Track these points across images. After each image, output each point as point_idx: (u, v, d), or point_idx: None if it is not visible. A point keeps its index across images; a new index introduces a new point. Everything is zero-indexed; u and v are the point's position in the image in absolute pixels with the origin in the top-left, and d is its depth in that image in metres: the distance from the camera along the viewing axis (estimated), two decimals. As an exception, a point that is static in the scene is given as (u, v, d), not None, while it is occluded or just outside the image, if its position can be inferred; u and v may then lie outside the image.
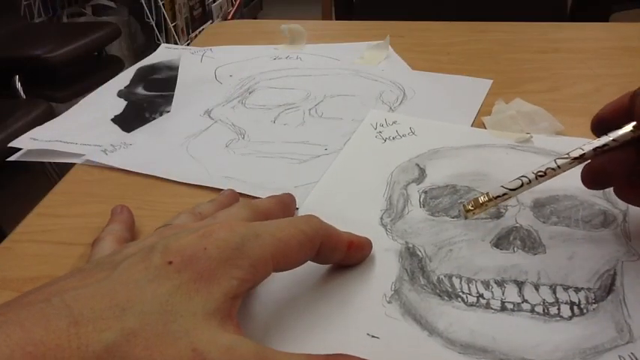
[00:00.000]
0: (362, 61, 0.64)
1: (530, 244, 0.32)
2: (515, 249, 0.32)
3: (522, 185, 0.31)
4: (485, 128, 0.47)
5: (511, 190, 0.31)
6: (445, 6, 1.07)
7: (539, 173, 0.31)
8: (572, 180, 0.33)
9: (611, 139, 0.29)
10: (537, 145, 0.43)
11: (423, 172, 0.40)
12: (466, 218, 0.33)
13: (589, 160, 0.30)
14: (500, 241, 0.33)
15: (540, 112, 0.48)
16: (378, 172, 0.40)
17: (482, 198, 0.32)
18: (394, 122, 0.47)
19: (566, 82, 0.58)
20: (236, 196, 0.37)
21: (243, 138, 0.48)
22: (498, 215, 0.35)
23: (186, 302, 0.22)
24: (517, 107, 0.49)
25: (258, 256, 0.25)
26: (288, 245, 0.26)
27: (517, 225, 0.34)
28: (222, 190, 0.39)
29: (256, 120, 0.51)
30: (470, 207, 0.32)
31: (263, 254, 0.25)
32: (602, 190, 0.36)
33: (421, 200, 0.37)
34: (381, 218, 0.36)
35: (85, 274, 0.24)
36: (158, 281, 0.23)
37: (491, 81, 0.57)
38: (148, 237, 0.28)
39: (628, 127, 0.29)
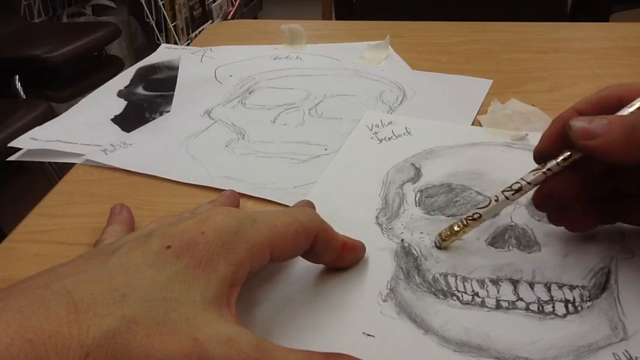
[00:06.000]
0: (362, 61, 0.64)
1: (526, 242, 0.33)
2: (511, 247, 0.32)
3: (490, 204, 0.31)
4: (482, 127, 0.47)
5: (482, 208, 0.31)
6: (445, 6, 1.07)
7: (507, 191, 0.31)
8: None
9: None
10: (533, 143, 0.43)
11: (418, 172, 0.40)
12: (441, 248, 0.33)
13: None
14: (496, 240, 0.33)
15: (536, 112, 0.48)
16: (374, 173, 0.40)
17: (456, 227, 0.32)
18: (390, 123, 0.47)
19: (566, 82, 0.58)
20: (237, 197, 0.37)
21: (243, 138, 0.48)
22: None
23: (185, 289, 0.22)
24: (513, 107, 0.49)
25: (255, 241, 0.25)
26: (284, 232, 0.26)
27: (512, 223, 0.34)
28: (222, 190, 0.39)
29: (256, 120, 0.51)
30: (446, 235, 0.32)
31: (260, 239, 0.25)
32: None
33: (417, 199, 0.37)
34: (377, 217, 0.36)
35: (85, 261, 0.24)
36: (157, 266, 0.23)
37: (491, 81, 0.57)
38: (146, 226, 0.28)
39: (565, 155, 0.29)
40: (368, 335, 0.27)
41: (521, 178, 0.31)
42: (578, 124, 0.28)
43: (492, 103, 0.50)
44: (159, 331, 0.21)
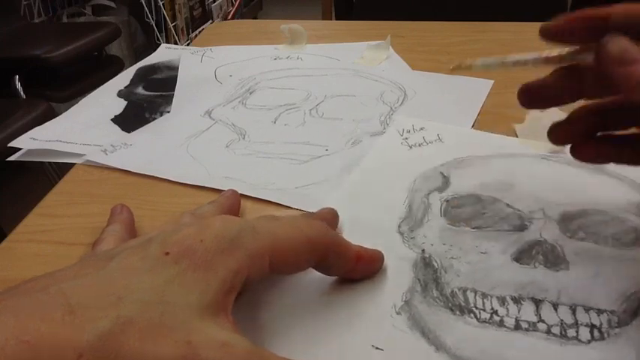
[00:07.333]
0: (362, 61, 0.64)
1: (553, 259, 0.31)
2: (537, 264, 0.30)
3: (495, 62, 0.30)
4: (517, 136, 0.45)
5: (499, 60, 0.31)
6: (445, 6, 1.07)
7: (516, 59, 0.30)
8: (603, 194, 0.32)
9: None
10: (570, 157, 0.39)
11: (447, 181, 0.39)
12: (454, 69, 0.31)
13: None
14: (522, 255, 0.31)
15: None
16: (401, 180, 0.39)
17: (469, 60, 0.31)
18: (422, 128, 0.46)
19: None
20: (237, 197, 0.37)
21: (244, 138, 0.48)
22: (522, 228, 0.33)
23: (183, 293, 0.22)
24: (552, 117, 0.47)
25: (254, 248, 0.25)
26: (286, 244, 0.26)
27: (541, 239, 0.32)
28: (222, 190, 0.39)
29: (257, 120, 0.51)
30: (459, 65, 0.31)
31: (259, 247, 0.25)
32: (636, 207, 0.34)
33: (442, 209, 0.36)
34: (399, 226, 0.35)
35: (84, 265, 0.24)
36: (155, 271, 0.23)
37: (492, 81, 0.57)
38: (147, 234, 0.28)
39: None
40: (376, 348, 0.26)
41: (538, 54, 0.29)
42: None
43: (531, 112, 0.48)
44: (153, 333, 0.21)
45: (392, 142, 0.45)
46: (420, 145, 0.44)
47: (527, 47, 0.72)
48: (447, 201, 0.36)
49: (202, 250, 0.24)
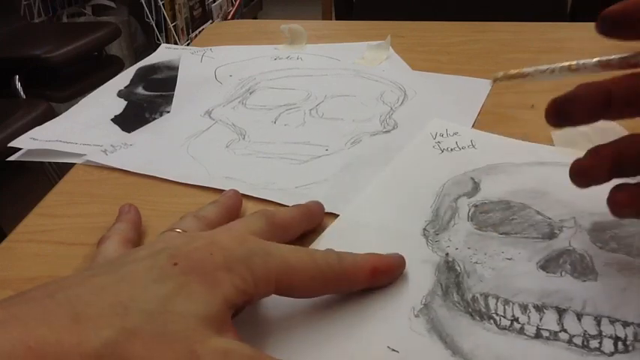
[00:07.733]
0: (363, 62, 0.64)
1: (581, 269, 0.30)
2: (563, 273, 0.30)
3: (546, 71, 0.29)
4: (553, 143, 0.44)
5: (536, 69, 0.30)
6: (445, 6, 1.07)
7: (566, 66, 0.29)
8: None
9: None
10: None
11: (477, 187, 0.38)
12: (495, 81, 0.31)
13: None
14: (548, 264, 0.30)
15: (616, 129, 0.45)
16: (429, 183, 0.39)
17: (514, 71, 0.30)
18: (455, 133, 0.45)
19: (566, 82, 0.58)
20: (239, 197, 0.37)
21: (244, 138, 0.48)
22: (551, 236, 0.33)
23: (188, 303, 0.23)
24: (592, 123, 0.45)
25: (262, 273, 0.25)
26: (296, 272, 0.26)
27: (570, 248, 0.31)
28: (222, 190, 0.39)
29: (257, 120, 0.51)
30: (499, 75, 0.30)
31: (267, 272, 0.25)
32: None
33: (470, 214, 0.35)
34: (425, 229, 0.34)
35: (92, 273, 0.24)
36: (162, 280, 0.23)
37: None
38: (156, 242, 0.28)
39: None
40: (392, 350, 0.26)
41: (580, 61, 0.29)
42: None
43: None
44: (158, 342, 0.21)
45: (423, 144, 0.44)
46: (451, 150, 0.43)
47: (527, 47, 0.72)
48: (476, 206, 0.36)
49: (211, 265, 0.24)
